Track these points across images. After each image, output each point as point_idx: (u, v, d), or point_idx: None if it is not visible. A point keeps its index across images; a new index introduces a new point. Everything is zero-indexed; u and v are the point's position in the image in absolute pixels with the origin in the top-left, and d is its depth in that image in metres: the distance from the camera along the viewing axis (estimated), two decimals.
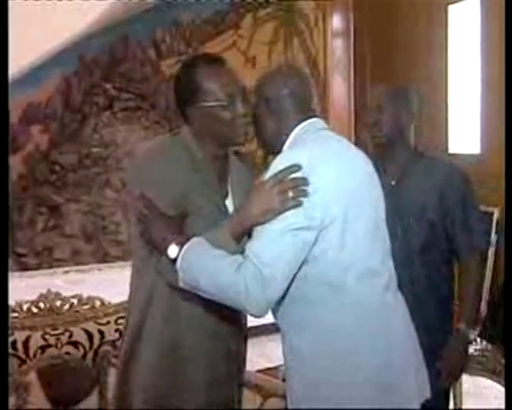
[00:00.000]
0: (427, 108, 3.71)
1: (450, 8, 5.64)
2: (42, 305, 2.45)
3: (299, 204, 1.55)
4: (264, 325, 3.50)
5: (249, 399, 2.14)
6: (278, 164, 1.61)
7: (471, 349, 2.44)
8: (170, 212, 1.71)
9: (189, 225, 1.74)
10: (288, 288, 1.59)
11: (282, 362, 1.74)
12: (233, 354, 1.90)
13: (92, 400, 2.46)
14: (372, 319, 1.63)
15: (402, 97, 2.35)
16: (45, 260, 5.93)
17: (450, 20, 5.64)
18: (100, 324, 2.49)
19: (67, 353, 2.44)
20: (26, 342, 2.37)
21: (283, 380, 1.73)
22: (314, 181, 1.57)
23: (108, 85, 6.15)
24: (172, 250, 1.62)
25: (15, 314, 2.39)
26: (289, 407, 1.69)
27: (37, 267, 5.84)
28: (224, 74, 1.81)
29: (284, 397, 1.77)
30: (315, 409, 1.62)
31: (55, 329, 2.43)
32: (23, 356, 2.37)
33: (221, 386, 1.88)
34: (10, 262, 5.33)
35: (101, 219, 6.13)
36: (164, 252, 1.64)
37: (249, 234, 1.64)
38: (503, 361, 2.40)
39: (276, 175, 1.59)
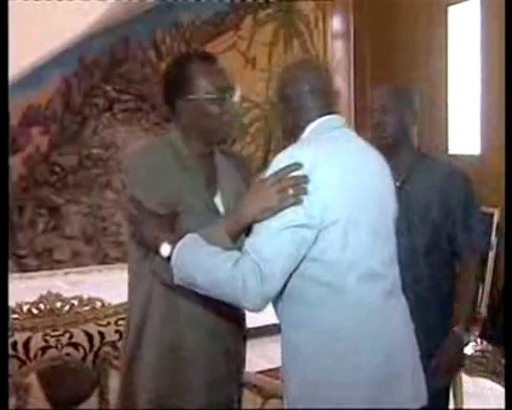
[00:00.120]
0: (428, 108, 3.71)
1: (450, 9, 5.64)
2: (42, 306, 2.45)
3: (299, 202, 1.54)
4: (265, 326, 3.51)
5: (250, 400, 2.14)
6: (279, 162, 1.60)
7: (471, 350, 2.45)
8: (160, 211, 1.71)
9: (180, 223, 1.74)
10: (286, 286, 1.58)
11: None
12: (232, 353, 1.90)
13: (92, 401, 2.47)
14: (372, 320, 1.62)
15: (405, 97, 2.34)
16: (45, 261, 5.94)
17: (450, 20, 5.65)
18: (100, 325, 2.49)
19: (68, 354, 2.44)
20: (26, 344, 2.38)
21: (283, 381, 1.72)
22: (314, 179, 1.55)
23: (108, 87, 6.16)
24: (165, 249, 1.62)
25: (16, 316, 2.40)
26: (285, 406, 1.69)
27: (38, 269, 5.85)
28: (215, 71, 1.83)
29: None
30: (314, 409, 1.62)
31: (56, 330, 2.43)
32: (23, 357, 2.37)
33: (221, 386, 1.88)
34: (10, 263, 5.33)
35: (102, 221, 6.13)
36: (157, 251, 1.64)
37: (247, 233, 1.63)
38: (503, 362, 2.40)
39: (276, 173, 1.58)
